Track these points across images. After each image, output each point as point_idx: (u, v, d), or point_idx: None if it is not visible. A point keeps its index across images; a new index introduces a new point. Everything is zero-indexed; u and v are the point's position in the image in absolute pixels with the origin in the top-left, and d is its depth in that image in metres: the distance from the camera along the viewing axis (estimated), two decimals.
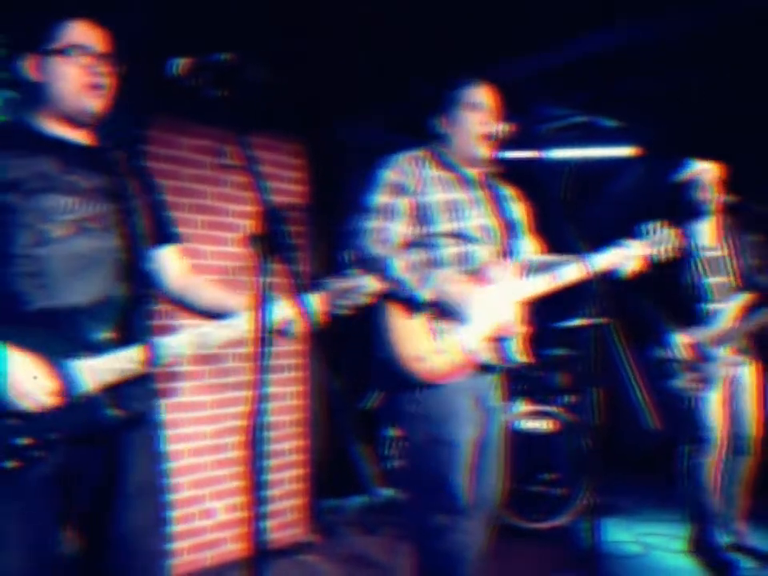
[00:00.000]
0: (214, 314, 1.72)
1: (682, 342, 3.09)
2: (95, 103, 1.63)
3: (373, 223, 2.25)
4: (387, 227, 2.25)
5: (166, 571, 1.66)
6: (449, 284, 2.22)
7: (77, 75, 1.61)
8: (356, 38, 3.16)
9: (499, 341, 2.29)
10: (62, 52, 1.61)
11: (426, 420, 2.21)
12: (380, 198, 2.27)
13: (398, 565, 3.27)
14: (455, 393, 2.22)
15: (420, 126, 2.44)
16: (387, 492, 4.16)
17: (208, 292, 1.79)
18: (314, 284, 1.72)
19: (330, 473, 4.10)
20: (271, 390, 3.54)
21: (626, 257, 2.43)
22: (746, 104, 3.96)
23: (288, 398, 3.68)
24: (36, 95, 1.63)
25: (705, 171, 3.15)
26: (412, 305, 2.22)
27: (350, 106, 3.83)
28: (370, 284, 1.76)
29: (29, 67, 1.63)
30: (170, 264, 1.80)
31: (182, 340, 1.60)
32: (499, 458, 2.36)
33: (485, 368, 2.29)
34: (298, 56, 3.26)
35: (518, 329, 2.31)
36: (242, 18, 2.87)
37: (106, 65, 1.64)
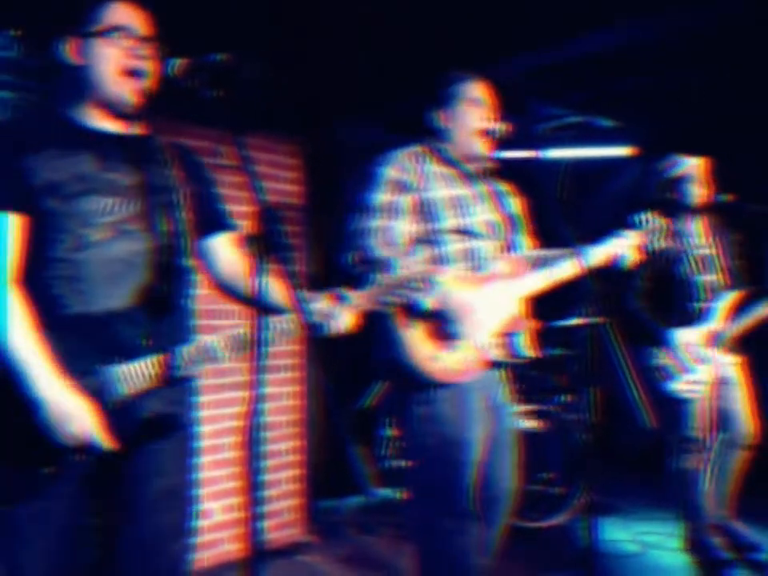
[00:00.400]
0: (261, 305, 1.71)
1: (673, 341, 3.09)
2: (137, 88, 1.57)
3: (377, 222, 2.22)
4: (391, 226, 2.22)
5: None
6: (453, 289, 2.20)
7: (118, 58, 1.56)
8: (354, 37, 3.16)
9: (508, 336, 2.29)
10: (103, 34, 1.56)
11: (438, 420, 2.19)
12: (382, 197, 2.24)
13: (396, 565, 3.27)
14: (467, 392, 2.21)
15: (417, 126, 2.44)
16: (384, 492, 4.16)
17: (273, 289, 1.71)
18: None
19: (327, 473, 4.10)
20: (268, 390, 3.54)
21: (622, 247, 2.44)
22: (741, 103, 3.97)
23: (285, 398, 3.68)
24: (76, 80, 1.58)
25: (696, 168, 3.16)
26: (415, 312, 2.20)
27: (347, 106, 3.83)
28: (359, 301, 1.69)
29: (69, 50, 1.58)
30: (221, 252, 1.75)
31: (218, 342, 1.56)
32: (512, 456, 2.36)
33: (494, 364, 2.29)
34: (294, 56, 3.26)
35: (526, 323, 2.31)
36: (239, 18, 2.87)
37: (148, 48, 1.58)
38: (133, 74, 1.56)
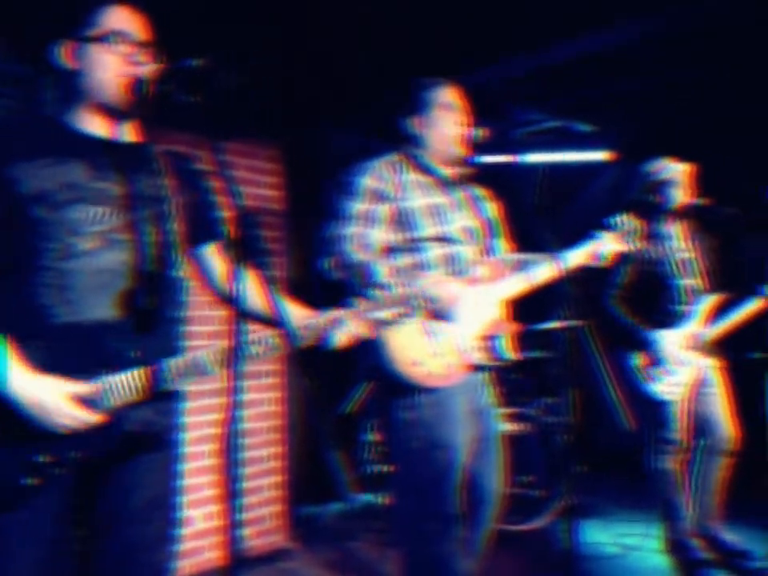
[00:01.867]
0: (260, 318, 1.68)
1: (653, 343, 3.12)
2: (133, 94, 1.53)
3: (352, 230, 2.24)
4: (367, 233, 2.24)
5: None
6: (435, 288, 2.21)
7: (115, 64, 1.53)
8: (334, 43, 3.17)
9: (489, 339, 2.30)
10: (100, 39, 1.52)
11: (422, 425, 2.20)
12: (359, 206, 2.25)
13: (378, 570, 3.26)
14: (451, 395, 2.22)
15: (397, 132, 2.45)
16: (366, 497, 4.15)
17: (257, 295, 1.71)
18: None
19: (309, 479, 4.08)
20: (248, 396, 3.52)
21: (599, 249, 2.46)
22: (718, 107, 4.03)
23: (266, 404, 3.66)
24: (71, 85, 1.55)
25: (681, 173, 3.19)
26: (405, 319, 2.19)
27: (328, 112, 3.83)
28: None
29: (65, 54, 1.55)
30: (216, 262, 1.74)
31: (207, 357, 1.53)
32: (497, 459, 2.37)
33: (477, 368, 2.30)
34: (275, 61, 3.26)
35: (507, 326, 2.33)
36: (217, 23, 2.86)
37: (146, 54, 1.55)
38: (130, 80, 1.53)
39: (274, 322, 1.64)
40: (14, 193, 1.46)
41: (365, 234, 2.24)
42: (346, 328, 1.63)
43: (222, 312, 1.81)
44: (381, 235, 2.26)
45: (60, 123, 1.57)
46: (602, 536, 3.65)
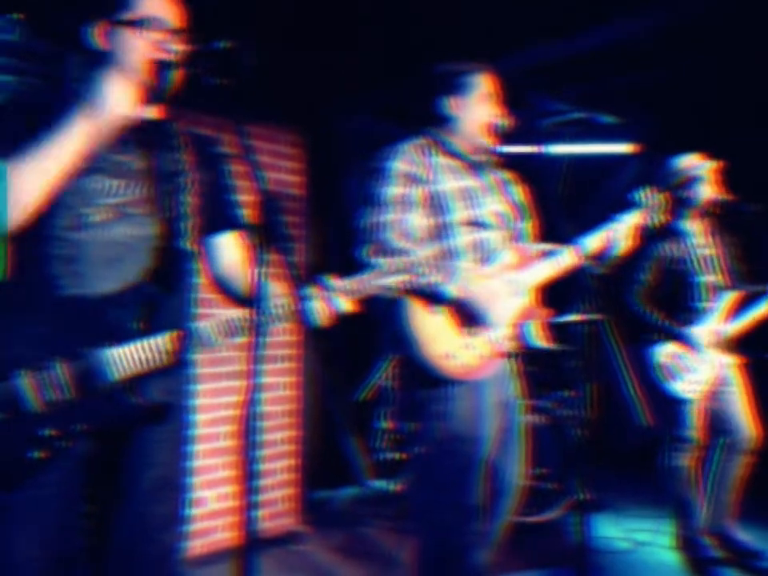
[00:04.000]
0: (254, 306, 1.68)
1: (675, 338, 3.09)
2: (161, 78, 1.54)
3: (391, 216, 2.20)
4: (406, 219, 2.21)
5: (178, 568, 1.64)
6: (473, 278, 2.20)
7: (146, 49, 1.53)
8: (357, 27, 3.15)
9: (520, 327, 2.29)
10: (134, 23, 1.53)
11: (452, 418, 2.18)
12: (394, 190, 2.22)
13: (389, 555, 3.28)
14: (481, 387, 2.21)
15: (418, 116, 2.43)
16: (379, 484, 4.17)
17: (276, 281, 1.68)
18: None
19: (322, 464, 4.11)
20: (264, 380, 3.54)
21: (622, 229, 2.43)
22: (744, 100, 3.96)
23: (281, 388, 3.68)
24: (99, 65, 1.56)
25: (704, 169, 3.15)
26: (438, 301, 2.18)
27: (349, 96, 3.81)
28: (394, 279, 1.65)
29: (97, 35, 1.55)
30: (225, 251, 1.73)
31: (212, 328, 1.53)
32: (519, 450, 2.36)
33: (507, 356, 2.29)
34: (297, 45, 3.25)
35: (537, 313, 2.31)
36: (241, 7, 2.86)
37: (178, 41, 1.54)
38: (159, 65, 1.53)
39: (290, 305, 1.63)
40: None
41: (403, 219, 2.20)
42: (344, 294, 1.61)
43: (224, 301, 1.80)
44: (418, 220, 2.22)
45: (83, 99, 1.57)
46: (614, 531, 3.64)
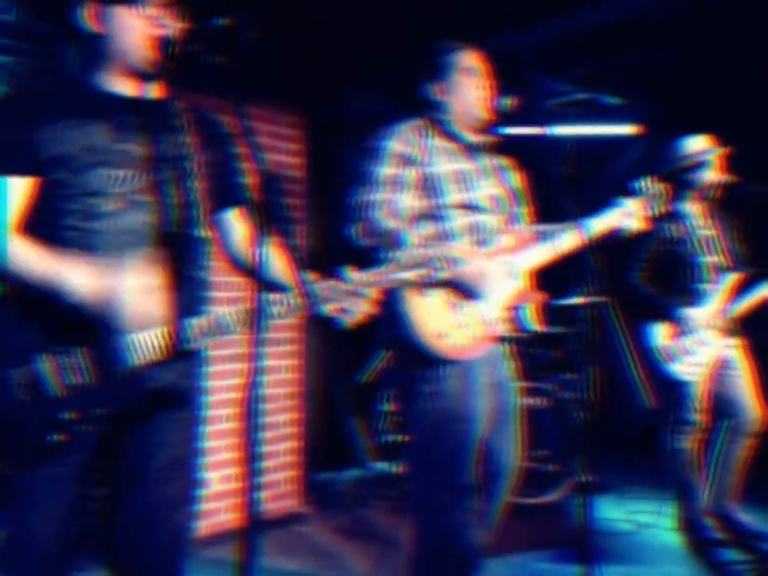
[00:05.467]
0: (273, 286, 1.64)
1: (678, 317, 3.08)
2: (159, 56, 1.51)
3: (381, 195, 2.19)
4: (396, 199, 2.20)
5: (186, 549, 1.65)
6: (465, 260, 2.18)
7: (141, 27, 1.50)
8: (357, 7, 3.11)
9: (514, 310, 2.28)
10: (125, 1, 1.50)
11: (444, 397, 2.18)
12: (387, 170, 2.21)
13: (391, 536, 3.30)
14: (473, 368, 2.21)
15: (419, 97, 2.41)
16: (381, 465, 4.18)
17: (277, 262, 1.68)
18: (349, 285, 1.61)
19: (325, 446, 4.12)
20: (267, 363, 3.54)
21: (624, 216, 2.42)
22: (749, 81, 3.92)
23: (284, 371, 3.68)
24: (95, 48, 1.53)
25: (705, 152, 3.12)
26: (429, 283, 2.17)
27: (349, 77, 3.78)
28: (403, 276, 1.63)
29: (89, 17, 1.52)
30: (236, 227, 1.72)
31: (229, 316, 1.53)
32: (514, 432, 2.37)
33: (500, 339, 2.29)
34: (297, 26, 3.21)
35: (532, 297, 2.31)
36: None
37: (172, 15, 1.52)
38: (156, 42, 1.51)
39: (293, 288, 1.63)
40: (37, 155, 1.46)
41: (394, 200, 2.19)
42: (362, 302, 1.59)
43: (241, 278, 1.80)
44: (409, 201, 2.22)
45: (81, 83, 1.56)
46: (616, 512, 3.65)
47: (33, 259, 1.45)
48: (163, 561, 1.59)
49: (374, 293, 1.60)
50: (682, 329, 3.07)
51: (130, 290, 1.44)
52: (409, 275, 1.63)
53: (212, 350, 3.42)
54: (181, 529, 1.64)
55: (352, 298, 1.58)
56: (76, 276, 1.43)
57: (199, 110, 1.68)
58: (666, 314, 3.08)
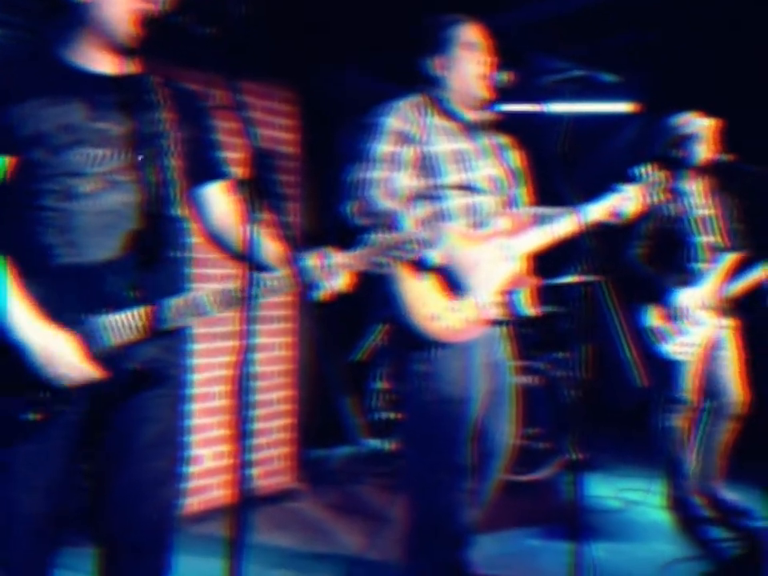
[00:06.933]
0: (250, 260, 1.62)
1: (673, 297, 3.09)
2: (144, 30, 1.48)
3: (378, 174, 2.16)
4: (393, 178, 2.16)
5: (174, 524, 1.66)
6: (459, 243, 2.17)
7: (128, 0, 1.47)
8: None
9: (508, 294, 2.28)
10: None
11: (437, 379, 2.19)
12: (384, 147, 2.17)
13: (383, 513, 3.32)
14: (467, 350, 2.21)
15: (415, 74, 2.37)
16: (374, 443, 4.20)
17: (266, 239, 1.65)
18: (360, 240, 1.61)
19: (317, 423, 4.14)
20: (260, 340, 3.54)
21: (621, 202, 2.40)
22: (746, 60, 3.89)
23: (276, 348, 3.68)
24: (77, 18, 1.50)
25: (707, 128, 3.10)
26: (422, 266, 2.16)
27: (344, 53, 3.73)
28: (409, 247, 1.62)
29: None
30: (214, 202, 1.70)
31: (209, 297, 1.52)
32: (508, 411, 2.37)
33: (495, 322, 2.28)
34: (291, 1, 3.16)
35: (527, 281, 2.30)
36: None
37: None
38: (142, 14, 1.48)
39: (282, 265, 1.62)
40: (12, 134, 1.44)
41: (391, 178, 2.16)
42: (342, 268, 1.59)
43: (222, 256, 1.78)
44: (406, 180, 2.19)
45: (58, 59, 1.53)
46: (605, 490, 3.69)
47: (3, 287, 1.43)
48: (151, 536, 1.60)
49: (348, 273, 1.60)
50: (675, 311, 3.07)
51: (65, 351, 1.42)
52: (383, 259, 1.62)
53: (204, 327, 3.43)
54: (169, 505, 1.64)
55: (327, 275, 1.58)
56: (33, 333, 1.41)
57: (175, 84, 1.66)
58: (660, 295, 3.09)
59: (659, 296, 3.08)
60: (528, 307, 2.32)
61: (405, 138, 2.19)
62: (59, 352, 1.42)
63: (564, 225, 2.29)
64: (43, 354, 1.41)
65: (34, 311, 1.43)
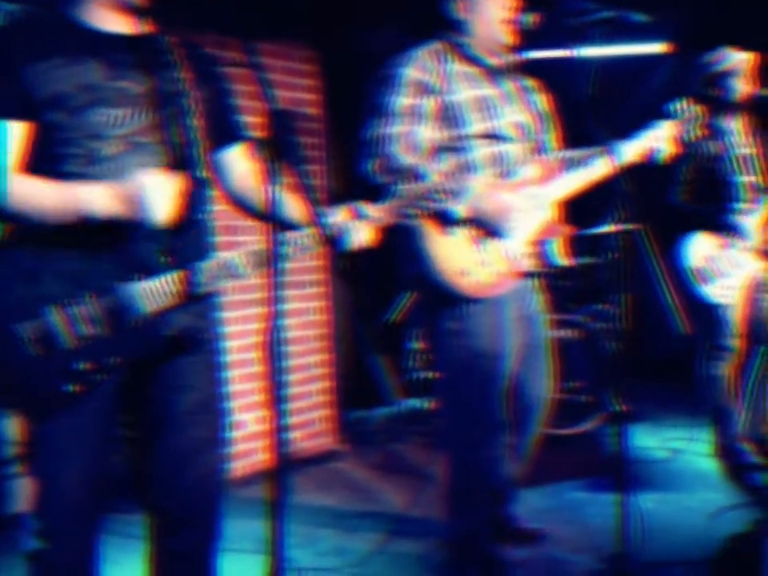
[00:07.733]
0: (274, 220, 1.61)
1: (711, 245, 3.00)
2: None
3: (398, 128, 2.09)
4: (414, 132, 2.10)
5: (221, 491, 1.67)
6: (485, 196, 2.11)
7: None
8: None
9: (540, 245, 2.22)
10: None
11: (470, 335, 2.15)
12: (404, 100, 2.11)
13: (424, 471, 3.34)
14: (499, 304, 2.17)
15: (436, 26, 2.29)
16: (412, 402, 4.21)
17: (289, 200, 1.63)
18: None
19: (356, 385, 4.16)
20: (294, 305, 3.54)
21: (657, 140, 2.31)
22: None
23: (311, 313, 3.68)
24: None
25: (744, 63, 2.96)
26: (448, 221, 2.11)
27: (364, 10, 3.64)
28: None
29: None
30: (235, 165, 1.68)
31: (239, 258, 1.51)
32: (545, 365, 2.34)
33: (527, 275, 2.23)
34: None
35: (559, 230, 2.23)
36: None
37: None
38: None
39: (307, 226, 1.58)
40: (30, 97, 1.42)
41: (411, 132, 2.10)
42: (369, 222, 1.57)
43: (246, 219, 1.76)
44: (428, 133, 2.12)
45: (72, 20, 1.50)
46: (650, 440, 3.65)
47: (43, 192, 1.42)
48: (198, 504, 1.61)
49: (375, 228, 1.58)
50: (720, 243, 2.97)
51: (153, 188, 1.40)
52: (411, 209, 1.58)
53: (238, 294, 3.43)
54: (214, 470, 1.65)
55: (355, 228, 1.56)
56: (97, 193, 1.40)
57: (191, 45, 1.62)
58: (714, 223, 2.98)
59: (712, 227, 2.98)
60: (562, 258, 2.26)
61: (424, 89, 2.12)
62: (142, 195, 1.40)
63: (597, 168, 2.20)
64: (129, 205, 1.40)
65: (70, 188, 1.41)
